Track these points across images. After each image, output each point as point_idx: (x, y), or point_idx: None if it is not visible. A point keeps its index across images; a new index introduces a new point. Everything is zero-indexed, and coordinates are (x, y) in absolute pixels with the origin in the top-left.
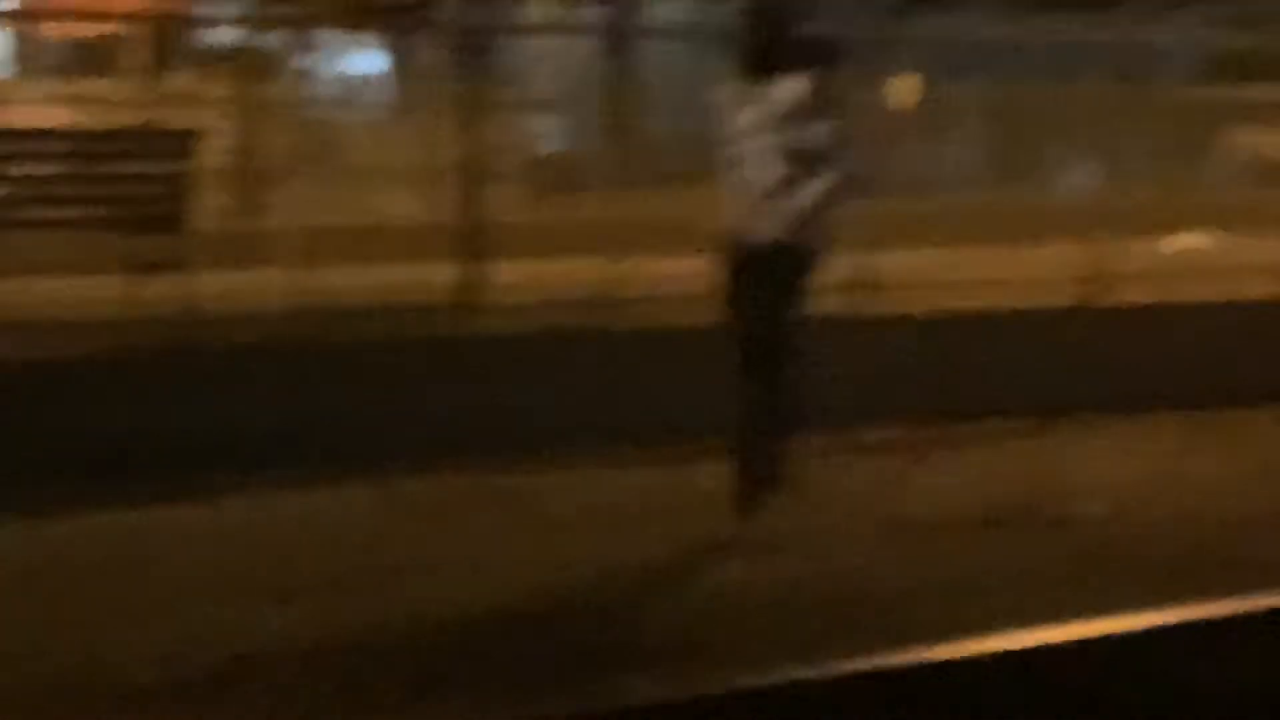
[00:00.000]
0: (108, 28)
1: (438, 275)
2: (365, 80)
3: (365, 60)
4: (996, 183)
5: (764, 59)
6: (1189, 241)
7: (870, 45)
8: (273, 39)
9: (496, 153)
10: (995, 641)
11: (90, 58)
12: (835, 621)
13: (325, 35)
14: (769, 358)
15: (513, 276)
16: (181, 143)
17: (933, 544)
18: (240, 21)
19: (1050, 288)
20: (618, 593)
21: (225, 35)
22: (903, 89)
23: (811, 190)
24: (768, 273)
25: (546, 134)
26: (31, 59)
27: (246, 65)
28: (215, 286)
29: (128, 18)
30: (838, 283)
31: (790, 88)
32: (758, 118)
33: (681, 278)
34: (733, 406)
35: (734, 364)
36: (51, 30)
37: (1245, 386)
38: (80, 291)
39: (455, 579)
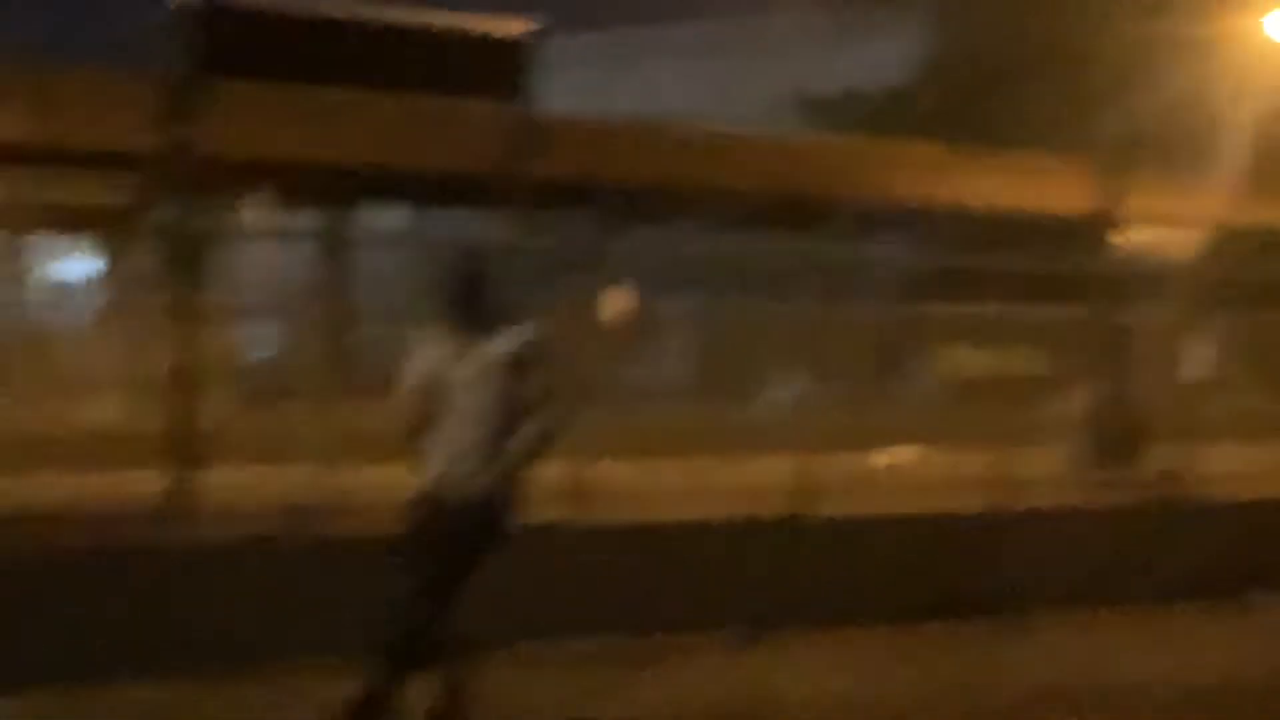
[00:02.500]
0: None
1: (144, 482)
2: (76, 285)
3: (76, 264)
4: (707, 396)
5: (469, 313)
6: (893, 456)
7: (584, 260)
8: None
9: (207, 359)
10: None
11: None
12: None
13: (35, 238)
14: (439, 602)
15: (221, 483)
16: None
17: None
18: None
19: (758, 499)
20: None
21: None
22: (615, 302)
23: (516, 447)
24: (462, 528)
25: (258, 340)
26: None
27: None
28: None
29: None
30: (550, 492)
31: (498, 345)
32: (471, 373)
33: (389, 486)
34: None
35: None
36: None
37: (949, 598)
38: None
39: None
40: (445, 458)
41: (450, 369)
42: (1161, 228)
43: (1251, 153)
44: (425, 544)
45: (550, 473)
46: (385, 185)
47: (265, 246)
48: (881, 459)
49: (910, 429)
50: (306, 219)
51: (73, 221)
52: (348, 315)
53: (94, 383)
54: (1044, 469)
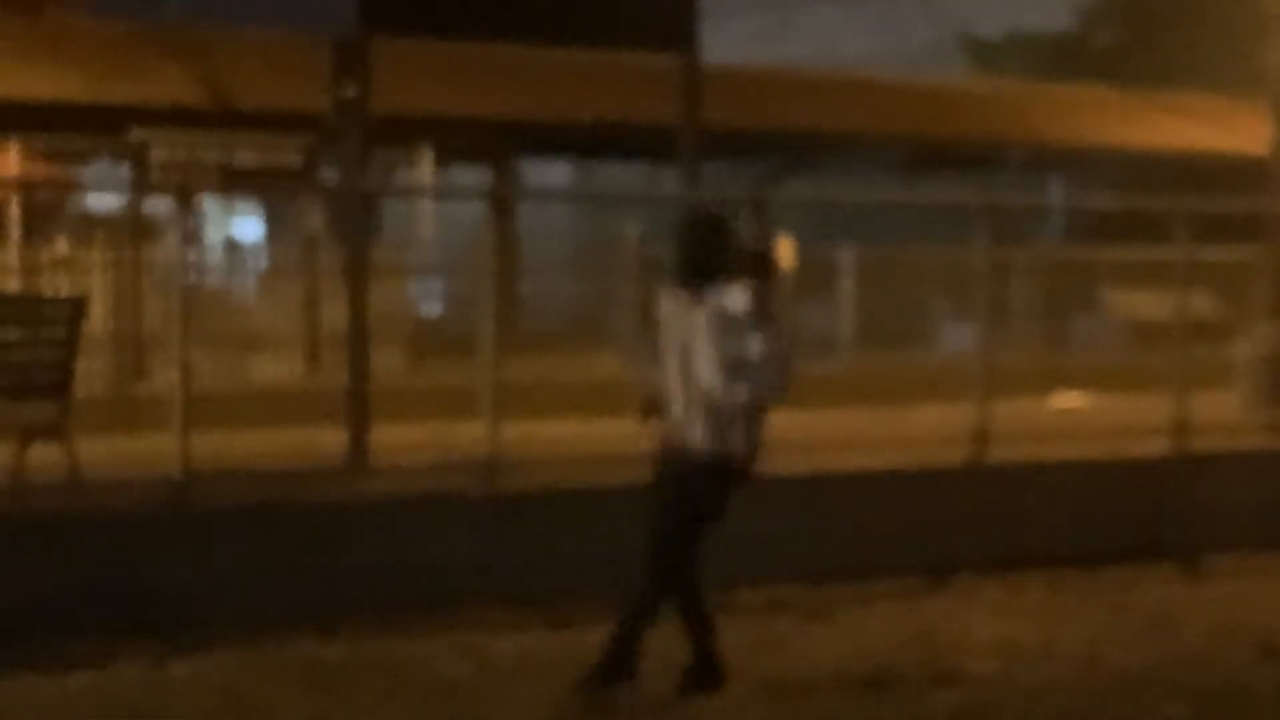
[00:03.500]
0: None
1: (324, 439)
2: (248, 245)
3: (248, 225)
4: (881, 343)
5: (703, 266)
6: (1070, 401)
7: (752, 206)
8: (153, 204)
9: (380, 317)
10: None
11: None
12: None
13: (207, 200)
14: (682, 556)
15: (398, 440)
16: (69, 309)
17: (811, 704)
18: (120, 187)
19: (937, 447)
20: None
21: (105, 201)
22: (781, 251)
23: (746, 399)
24: (697, 483)
25: (426, 297)
26: None
27: (127, 231)
28: (103, 452)
29: (3, 184)
30: None
31: (730, 296)
32: (697, 325)
33: (561, 441)
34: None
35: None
36: None
37: (1131, 542)
38: None
39: None
40: (684, 407)
41: (686, 320)
42: None
43: None
44: (668, 492)
45: None
46: (551, 139)
47: (432, 204)
48: (1059, 403)
49: (1087, 373)
50: (474, 175)
51: (247, 183)
52: (516, 271)
53: (270, 341)
54: (1223, 413)
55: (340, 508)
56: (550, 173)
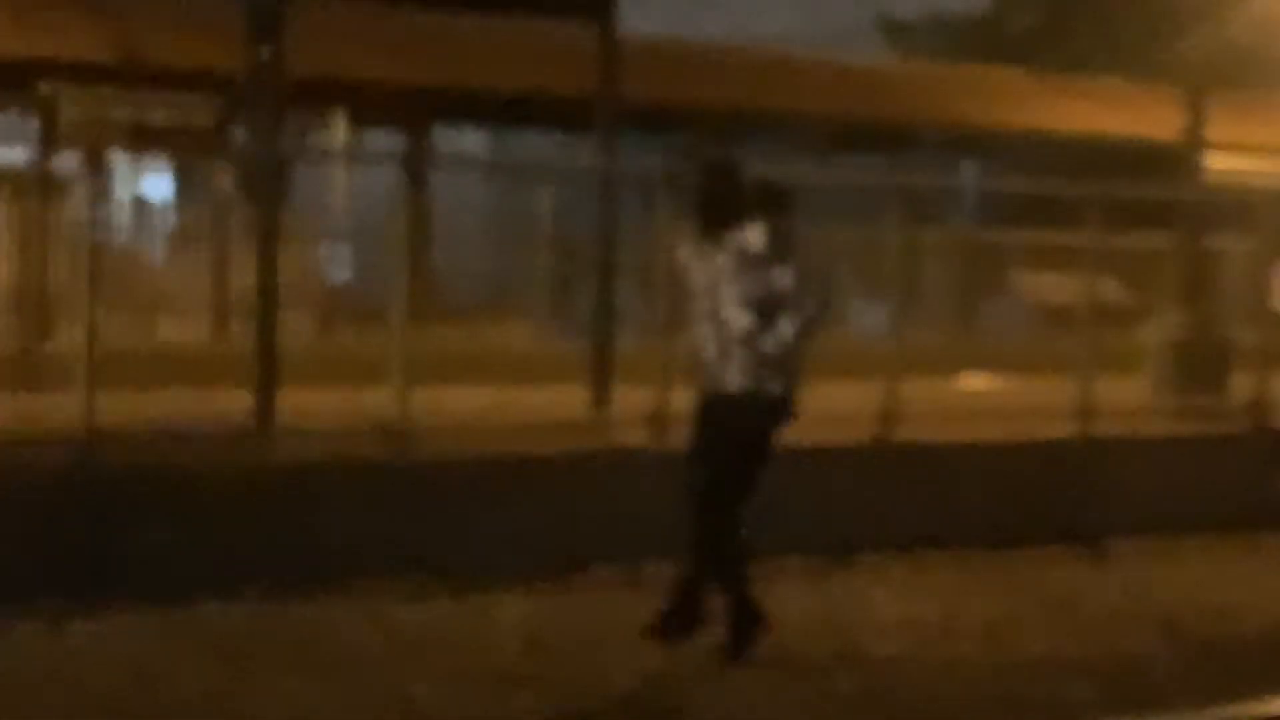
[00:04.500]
0: None
1: (229, 403)
2: (156, 205)
3: (156, 185)
4: None
5: (721, 210)
6: (978, 382)
7: (654, 183)
8: (61, 161)
9: (289, 283)
10: None
11: None
12: None
13: (115, 158)
14: (726, 502)
15: (305, 405)
16: None
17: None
18: (27, 141)
19: (846, 426)
20: None
21: (10, 155)
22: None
23: (778, 337)
24: (738, 423)
25: (337, 264)
26: None
27: (33, 187)
28: (5, 411)
29: None
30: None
31: (749, 237)
32: (720, 268)
33: (476, 410)
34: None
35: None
36: None
37: (1035, 523)
38: None
39: (260, 713)
40: (717, 352)
41: (708, 266)
42: (1248, 153)
43: None
44: (706, 440)
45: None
46: (464, 107)
47: (344, 169)
48: (968, 385)
49: (997, 356)
50: (388, 142)
51: (157, 141)
52: (430, 238)
53: (177, 303)
54: (1131, 397)
55: (246, 472)
56: (465, 142)
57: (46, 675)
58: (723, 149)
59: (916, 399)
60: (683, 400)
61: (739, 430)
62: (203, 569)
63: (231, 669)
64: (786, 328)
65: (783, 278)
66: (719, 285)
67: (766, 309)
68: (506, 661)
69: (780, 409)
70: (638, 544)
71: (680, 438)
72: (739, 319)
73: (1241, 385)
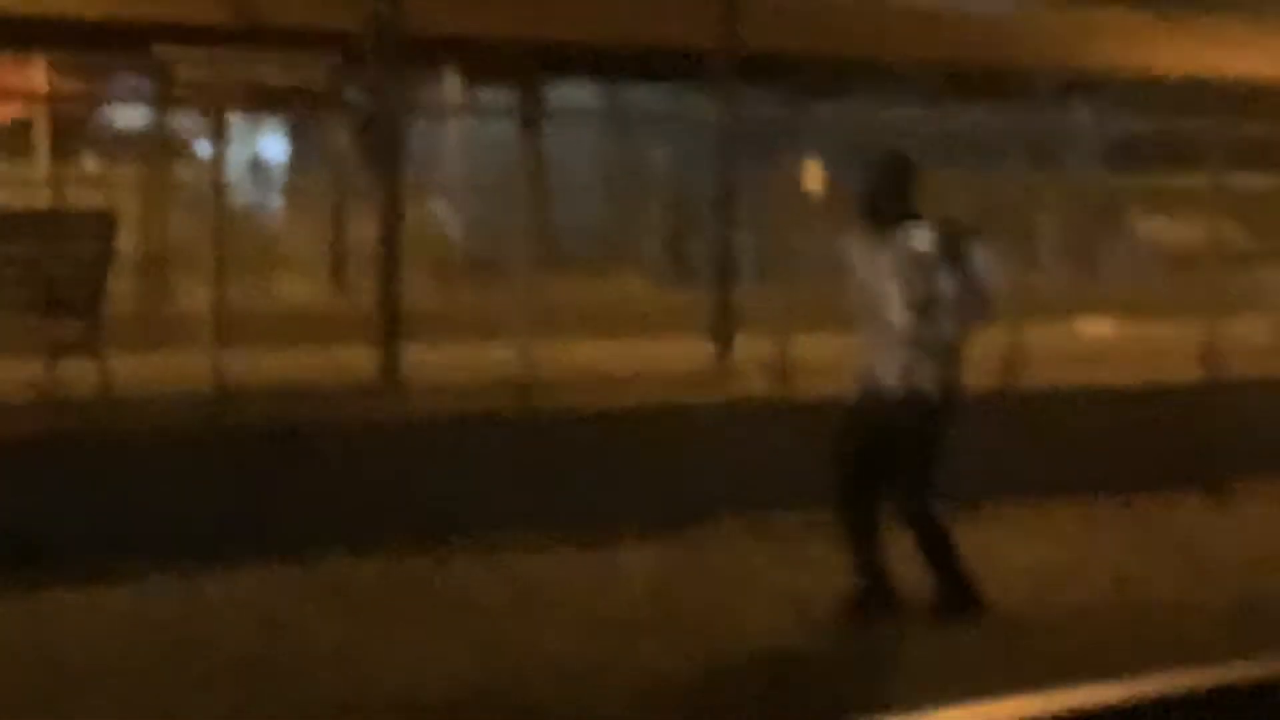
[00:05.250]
0: (11, 109)
1: (354, 359)
2: (275, 164)
3: (275, 144)
4: None
5: (890, 210)
6: (1099, 327)
7: (777, 132)
8: (180, 122)
9: (409, 238)
10: None
11: None
12: None
13: (234, 119)
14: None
15: (429, 360)
16: (98, 225)
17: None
18: (147, 103)
19: (969, 372)
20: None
21: (132, 118)
22: (808, 176)
23: (938, 342)
24: (896, 423)
25: (455, 219)
26: None
27: (154, 149)
28: (132, 369)
29: (31, 99)
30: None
31: (916, 236)
32: (886, 267)
33: (597, 362)
34: None
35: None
36: None
37: (1164, 468)
38: None
39: (392, 665)
40: (877, 349)
41: (874, 262)
42: None
43: None
44: (858, 437)
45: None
46: (578, 61)
47: (464, 124)
48: (1090, 330)
49: (1117, 298)
50: (504, 96)
51: (273, 102)
52: (546, 192)
53: (296, 261)
54: (1253, 340)
55: (372, 427)
56: (579, 95)
57: (178, 632)
58: (894, 146)
59: (1039, 345)
60: (803, 348)
61: (901, 434)
62: (331, 524)
63: (362, 622)
64: (946, 328)
65: (948, 279)
66: (882, 283)
67: (928, 309)
68: (634, 611)
69: (936, 410)
70: (763, 494)
71: (803, 387)
72: (900, 318)
73: None
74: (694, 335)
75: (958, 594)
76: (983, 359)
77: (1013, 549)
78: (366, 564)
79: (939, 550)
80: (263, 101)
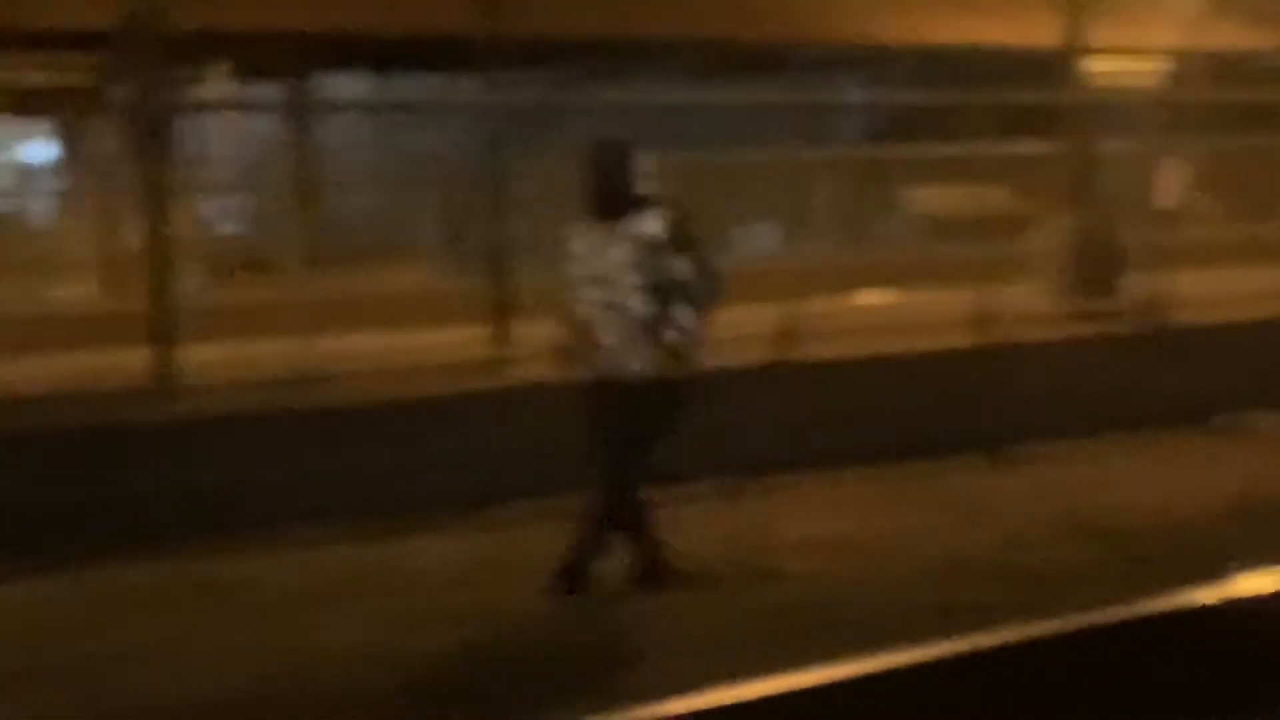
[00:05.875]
0: None
1: (127, 361)
2: (41, 168)
3: (41, 147)
4: None
5: (618, 198)
6: (873, 297)
7: (548, 113)
8: None
9: (180, 237)
10: None
11: None
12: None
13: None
14: (628, 486)
15: (205, 359)
16: None
17: (630, 604)
18: None
19: (746, 347)
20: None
21: None
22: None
23: (678, 325)
24: (642, 407)
25: (228, 215)
26: None
27: None
28: None
29: None
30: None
31: (648, 225)
32: (620, 254)
33: (376, 354)
34: None
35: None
36: None
37: (939, 434)
38: None
39: (159, 668)
40: (616, 337)
41: (605, 251)
42: (1127, 57)
43: None
44: (604, 423)
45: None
46: (346, 52)
47: (230, 120)
48: (863, 300)
49: (890, 269)
50: (270, 90)
51: (37, 104)
52: (321, 185)
53: (68, 264)
54: (1024, 303)
55: (152, 429)
56: (352, 87)
57: None
58: (615, 135)
59: (815, 317)
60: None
61: (642, 412)
62: (116, 528)
63: (158, 622)
64: (683, 315)
65: (681, 263)
66: (617, 272)
67: (666, 297)
68: (427, 599)
69: (681, 392)
70: (548, 477)
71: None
72: (639, 307)
73: (1133, 285)
74: (474, 324)
75: (654, 565)
76: (761, 334)
77: (800, 519)
78: (158, 566)
79: (641, 522)
80: (26, 104)
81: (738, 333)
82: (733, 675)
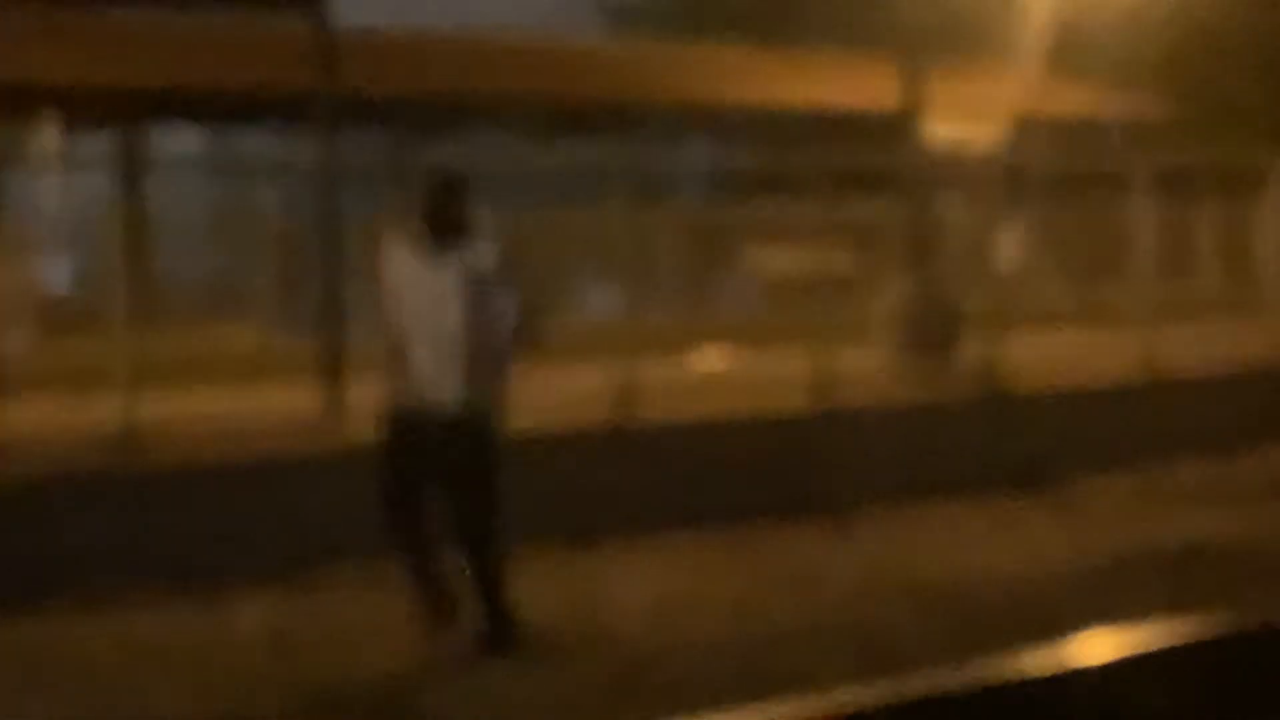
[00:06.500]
0: None
1: None
2: None
3: None
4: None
5: (447, 225)
6: (713, 359)
7: (378, 176)
8: None
9: (6, 290)
10: None
11: None
12: None
13: None
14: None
15: (23, 416)
16: None
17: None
18: None
19: (581, 409)
20: None
21: None
22: None
23: (495, 356)
24: (453, 442)
25: (55, 272)
26: None
27: None
28: None
29: None
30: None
31: (479, 257)
32: (445, 284)
33: (203, 412)
34: None
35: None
36: None
37: (777, 497)
38: None
39: None
40: (426, 370)
41: (431, 280)
42: (967, 120)
43: (1052, 40)
44: (411, 456)
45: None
46: (180, 106)
47: (58, 174)
48: (703, 362)
49: (728, 330)
50: (99, 143)
51: None
52: (147, 241)
53: None
54: (862, 365)
55: None
56: (186, 141)
57: None
58: (446, 163)
59: (652, 378)
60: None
61: (477, 455)
62: None
63: None
64: (504, 344)
65: (507, 295)
66: (443, 301)
67: (489, 325)
68: (249, 663)
69: (494, 429)
70: (374, 541)
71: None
72: (463, 334)
73: (970, 348)
74: (304, 382)
75: (504, 626)
76: (596, 395)
77: (632, 583)
78: None
79: (496, 579)
80: None
81: (573, 394)
82: None
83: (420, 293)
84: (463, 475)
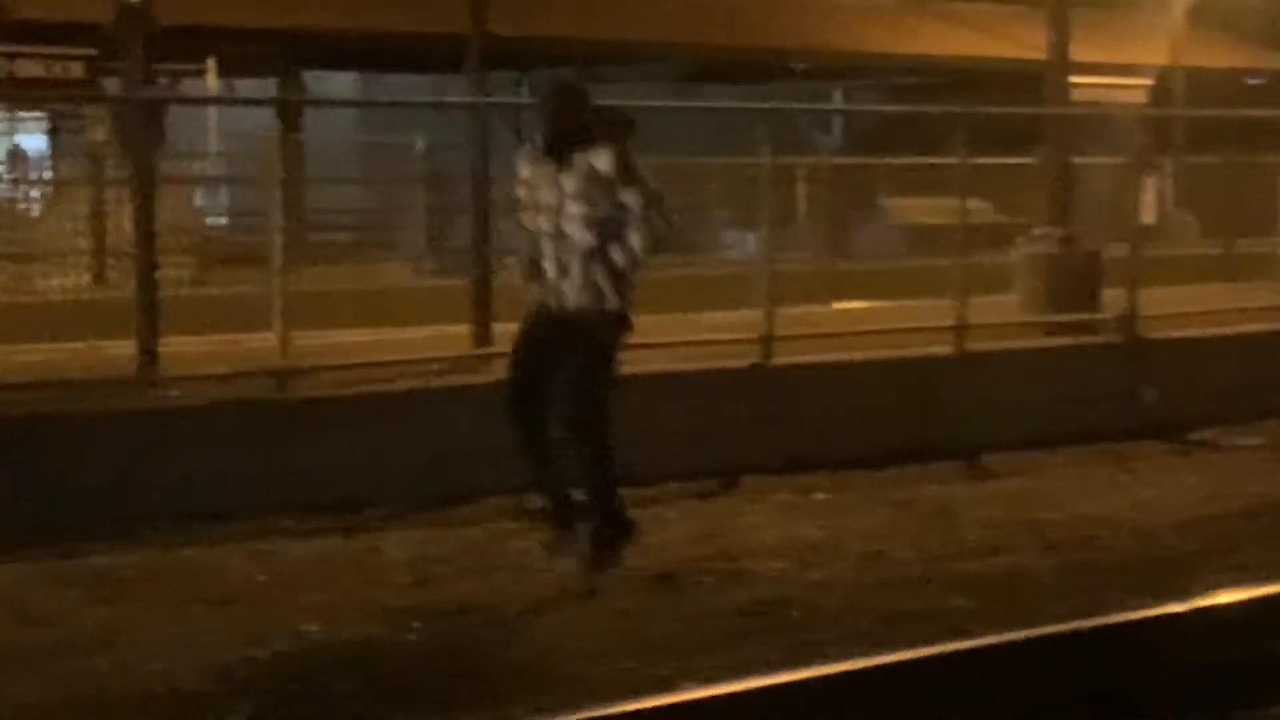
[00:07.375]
0: None
1: (112, 351)
2: (33, 157)
3: (32, 137)
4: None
5: (569, 131)
6: (851, 306)
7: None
8: None
9: (166, 228)
10: None
11: None
12: None
13: None
14: (573, 420)
15: (187, 350)
16: None
17: (604, 604)
18: None
19: (724, 352)
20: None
21: None
22: None
23: (622, 257)
24: (584, 338)
25: (214, 208)
26: None
27: None
28: None
29: None
30: None
31: (598, 159)
32: (567, 188)
33: (345, 348)
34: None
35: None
36: None
37: (915, 441)
38: None
39: (131, 655)
40: (559, 269)
41: (554, 184)
42: (1112, 73)
43: None
44: (535, 348)
45: None
46: (335, 51)
47: (218, 114)
48: (842, 308)
49: (869, 279)
50: (259, 87)
51: (29, 94)
52: (301, 181)
53: (55, 253)
54: (1002, 314)
55: (131, 417)
56: (340, 85)
57: None
58: (570, 72)
59: (792, 323)
60: None
61: (585, 345)
62: (90, 517)
63: (121, 609)
64: (632, 246)
65: (630, 197)
66: (564, 204)
67: (611, 230)
68: (392, 592)
69: (619, 323)
70: (520, 475)
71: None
72: (584, 238)
73: (1112, 299)
74: (455, 321)
75: (611, 521)
76: (738, 339)
77: (769, 522)
78: (128, 555)
79: (599, 466)
80: (20, 93)
81: (715, 337)
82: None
83: (544, 198)
84: (571, 356)
